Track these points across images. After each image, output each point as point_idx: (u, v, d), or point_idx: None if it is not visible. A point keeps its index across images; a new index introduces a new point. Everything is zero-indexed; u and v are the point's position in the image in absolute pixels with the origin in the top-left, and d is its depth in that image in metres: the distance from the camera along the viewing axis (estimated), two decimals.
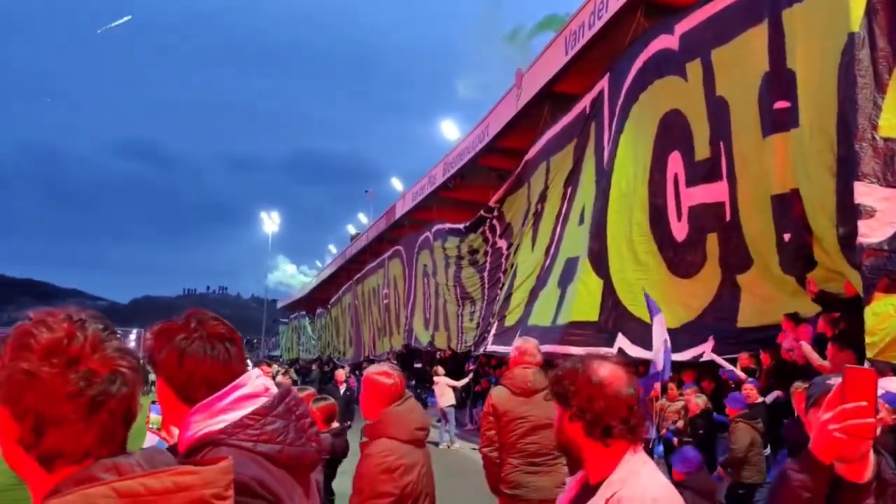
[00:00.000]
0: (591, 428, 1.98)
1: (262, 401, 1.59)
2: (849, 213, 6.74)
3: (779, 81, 7.96)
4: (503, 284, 17.20)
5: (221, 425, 1.52)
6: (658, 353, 8.75)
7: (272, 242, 69.20)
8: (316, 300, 47.41)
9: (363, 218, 48.47)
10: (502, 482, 4.63)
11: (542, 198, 15.51)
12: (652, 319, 9.03)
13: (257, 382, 1.63)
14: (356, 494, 2.96)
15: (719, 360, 8.78)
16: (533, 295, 14.83)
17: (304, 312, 52.63)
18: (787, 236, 7.88)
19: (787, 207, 7.82)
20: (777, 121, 7.96)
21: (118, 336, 1.11)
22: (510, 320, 15.74)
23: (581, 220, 13.28)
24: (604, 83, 12.86)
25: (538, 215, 15.68)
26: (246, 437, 1.51)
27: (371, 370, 3.28)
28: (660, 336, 8.67)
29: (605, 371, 2.02)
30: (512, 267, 16.95)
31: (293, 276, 79.18)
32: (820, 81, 7.32)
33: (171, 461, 1.09)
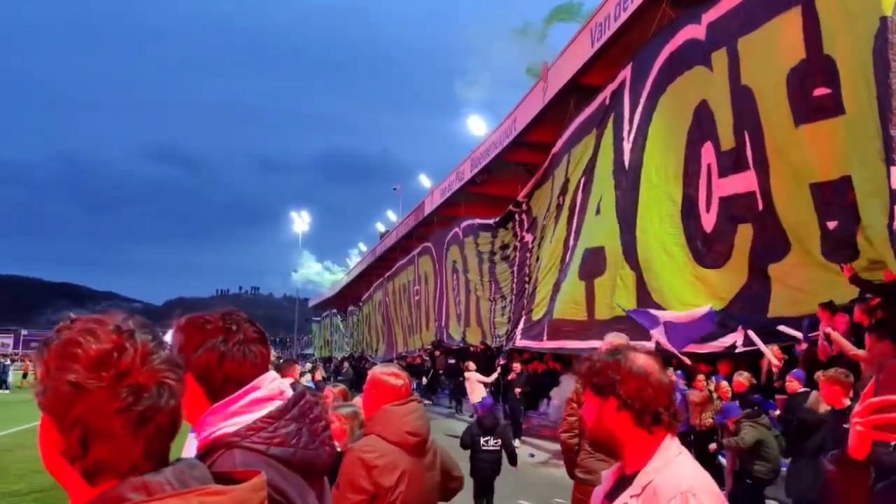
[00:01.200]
0: (641, 417, 1.98)
1: (276, 404, 1.59)
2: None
3: (817, 68, 7.81)
4: (529, 278, 17.21)
5: (235, 427, 1.52)
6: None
7: (302, 241, 69.75)
8: (347, 298, 47.68)
9: (392, 215, 48.58)
10: (577, 467, 4.84)
11: (564, 190, 15.52)
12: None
13: (272, 386, 1.63)
14: (335, 487, 2.96)
15: (757, 340, 8.62)
16: (556, 288, 14.81)
17: (335, 310, 52.94)
18: (831, 224, 7.74)
19: (834, 195, 7.66)
20: (818, 108, 7.80)
21: (165, 345, 1.06)
22: (537, 314, 15.74)
23: (598, 211, 13.22)
24: (626, 73, 12.77)
25: (560, 207, 15.68)
26: (259, 439, 1.51)
27: (379, 369, 3.23)
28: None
29: (645, 360, 2.03)
30: (537, 261, 16.97)
31: (318, 274, 79.49)
32: (862, 67, 7.21)
33: (205, 476, 1.05)
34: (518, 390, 16.00)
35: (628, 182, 12.15)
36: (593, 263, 13.01)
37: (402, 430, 2.99)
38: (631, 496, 1.94)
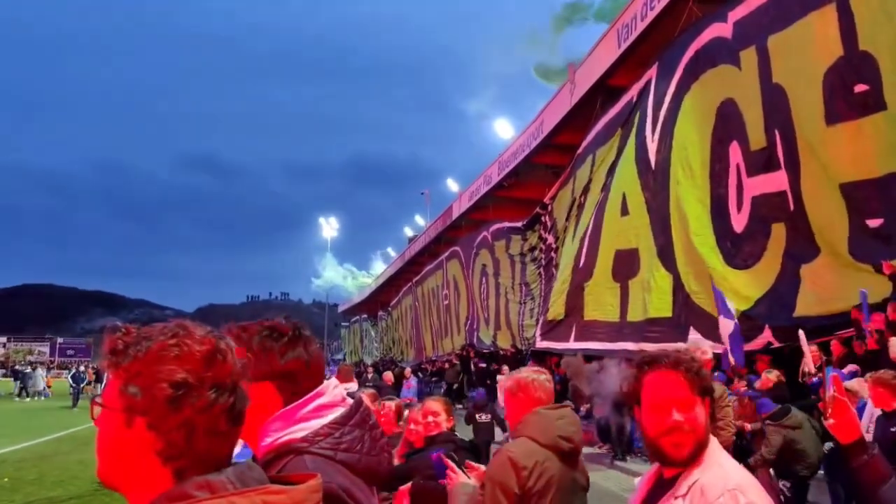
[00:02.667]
0: (710, 418, 2.01)
1: (340, 410, 1.60)
2: None
3: (855, 65, 7.70)
4: (551, 279, 17.18)
5: (303, 433, 1.53)
6: (728, 344, 8.64)
7: (331, 247, 70.15)
8: (377, 303, 47.84)
9: (420, 220, 48.67)
10: None
11: (586, 190, 15.48)
12: (719, 317, 8.89)
13: (335, 392, 1.64)
14: (482, 487, 2.92)
15: (803, 340, 8.49)
16: (575, 287, 14.71)
17: (365, 316, 53.16)
18: (875, 223, 7.59)
19: (879, 192, 7.53)
20: (859, 104, 7.68)
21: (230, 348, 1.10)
22: (553, 313, 15.68)
23: (625, 211, 13.13)
24: (652, 73, 12.71)
25: (581, 207, 15.66)
26: (327, 445, 1.52)
27: (525, 371, 3.11)
28: (726, 332, 8.53)
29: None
30: (557, 263, 16.94)
31: (345, 278, 79.71)
32: None
33: (263, 478, 1.07)
34: None
35: (657, 182, 12.07)
36: (627, 265, 12.93)
37: (555, 434, 2.89)
38: (676, 497, 1.92)
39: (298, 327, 1.68)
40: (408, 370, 15.64)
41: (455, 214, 27.44)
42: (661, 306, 11.57)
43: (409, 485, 4.06)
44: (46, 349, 77.87)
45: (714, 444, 1.97)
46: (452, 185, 39.11)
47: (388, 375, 14.94)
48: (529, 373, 3.08)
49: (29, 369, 37.51)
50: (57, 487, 10.17)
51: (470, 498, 3.02)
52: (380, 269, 69.85)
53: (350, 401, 1.65)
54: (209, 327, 1.11)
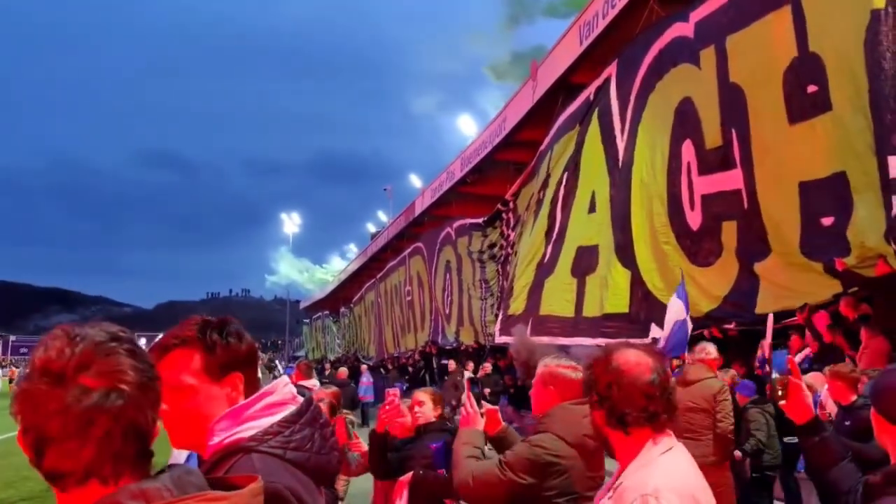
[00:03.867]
0: (609, 416, 1.98)
1: (290, 408, 1.59)
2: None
3: (806, 66, 7.87)
4: (509, 274, 17.27)
5: (251, 432, 1.52)
6: (667, 331, 8.59)
7: (293, 243, 69.64)
8: (339, 299, 47.61)
9: (383, 216, 48.57)
10: None
11: (545, 185, 15.59)
12: (671, 299, 8.88)
13: (285, 390, 1.63)
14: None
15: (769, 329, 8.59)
16: (538, 283, 14.82)
17: (327, 312, 52.86)
18: (827, 221, 7.74)
19: (828, 192, 7.69)
20: (810, 105, 7.84)
21: (126, 350, 1.07)
22: (514, 308, 15.76)
23: (592, 208, 13.23)
24: (611, 70, 12.81)
25: (539, 202, 15.77)
26: (276, 444, 1.51)
27: (553, 361, 3.02)
28: (672, 317, 8.52)
29: (625, 358, 1.99)
30: (516, 255, 17.03)
31: (301, 273, 79.30)
32: (849, 61, 7.27)
33: (202, 483, 1.06)
34: (487, 391, 15.95)
35: (621, 180, 12.18)
36: (586, 261, 13.04)
37: (581, 432, 2.76)
38: (608, 497, 1.91)
39: (229, 320, 1.67)
40: (363, 367, 15.61)
41: (418, 210, 27.40)
42: (618, 302, 11.68)
43: (408, 475, 4.04)
44: None
45: (653, 444, 1.94)
46: (415, 182, 39.15)
47: (343, 371, 14.97)
48: (564, 366, 3.00)
49: None
50: (8, 488, 9.97)
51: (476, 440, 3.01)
52: (337, 264, 69.53)
53: (300, 399, 1.64)
54: (73, 330, 1.07)
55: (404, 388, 18.64)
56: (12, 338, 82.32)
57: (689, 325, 8.45)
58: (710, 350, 6.60)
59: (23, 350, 74.01)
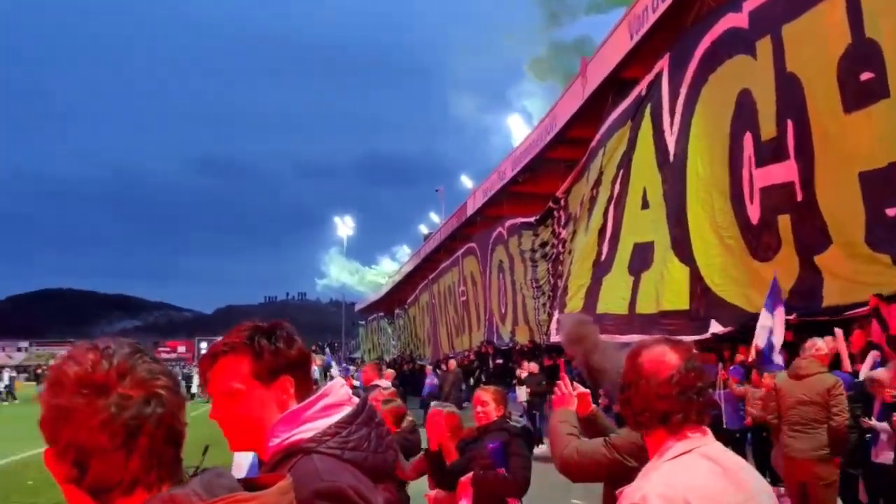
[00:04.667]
0: (630, 417, 1.93)
1: (347, 409, 1.63)
2: None
3: (862, 52, 7.68)
4: (563, 273, 17.17)
5: (310, 434, 1.56)
6: (760, 339, 8.42)
7: (345, 245, 70.37)
8: (393, 301, 47.96)
9: (435, 217, 48.74)
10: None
11: (597, 182, 15.45)
12: (764, 307, 8.64)
13: (341, 392, 1.67)
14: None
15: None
16: (595, 281, 14.71)
17: (382, 314, 53.30)
18: (891, 211, 7.55)
19: (888, 182, 7.44)
20: (866, 93, 7.65)
21: (149, 359, 1.09)
22: (571, 307, 15.65)
23: (645, 204, 13.09)
24: (662, 64, 12.64)
25: (593, 200, 15.64)
26: (335, 444, 1.54)
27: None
28: (765, 326, 8.36)
29: (648, 355, 1.91)
30: (570, 254, 16.90)
31: (352, 274, 79.94)
32: None
33: (233, 484, 1.05)
34: (528, 390, 15.82)
35: (674, 174, 12.02)
36: (641, 258, 12.92)
37: None
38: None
39: (279, 325, 1.69)
40: (428, 368, 15.79)
41: (470, 211, 27.46)
42: (675, 299, 11.52)
43: (469, 475, 4.08)
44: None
45: (666, 446, 1.84)
46: (466, 182, 39.19)
47: (389, 373, 15.06)
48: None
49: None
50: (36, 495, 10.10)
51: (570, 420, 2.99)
52: (387, 266, 69.88)
53: (356, 400, 1.69)
54: (102, 343, 1.09)
55: (462, 387, 18.69)
56: (77, 342, 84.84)
57: (777, 337, 8.33)
58: (820, 346, 6.66)
59: None
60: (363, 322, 63.65)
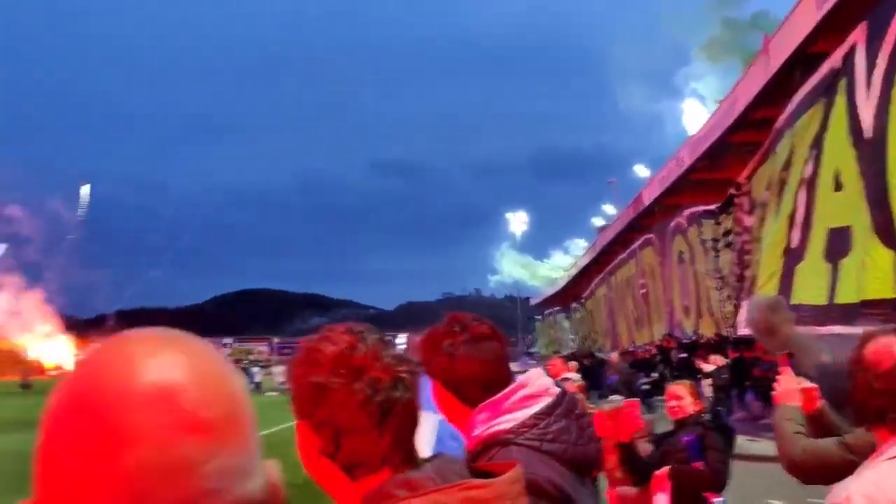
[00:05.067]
0: (857, 412, 1.82)
1: (545, 401, 1.62)
2: None
3: None
4: (751, 262, 16.33)
5: (508, 425, 1.55)
6: None
7: (519, 241, 70.83)
8: (569, 295, 47.69)
9: (609, 209, 47.88)
10: None
11: (787, 164, 14.55)
12: None
13: (539, 383, 1.66)
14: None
15: None
16: (787, 270, 13.90)
17: (558, 308, 53.16)
18: None
19: None
20: None
21: (393, 344, 1.13)
22: None
23: (838, 186, 12.23)
24: (857, 36, 11.76)
25: (783, 183, 14.74)
26: (533, 436, 1.54)
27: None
28: None
29: (871, 347, 1.79)
30: (757, 242, 16.04)
31: (524, 268, 79.89)
32: None
33: (464, 472, 1.06)
34: (711, 384, 15.17)
35: (871, 152, 11.15)
36: (838, 244, 12.10)
37: None
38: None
39: (454, 327, 1.69)
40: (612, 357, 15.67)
41: (646, 201, 26.79)
42: (880, 287, 10.68)
43: (665, 470, 4.09)
44: (266, 348, 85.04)
45: (889, 445, 1.69)
46: (641, 171, 38.20)
47: (572, 365, 14.93)
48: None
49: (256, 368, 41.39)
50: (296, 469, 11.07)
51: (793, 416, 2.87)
52: (559, 260, 69.38)
53: (555, 391, 1.67)
54: (370, 326, 1.14)
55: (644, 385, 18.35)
56: (276, 340, 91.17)
57: None
58: None
59: (285, 351, 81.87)
60: (539, 317, 63.79)
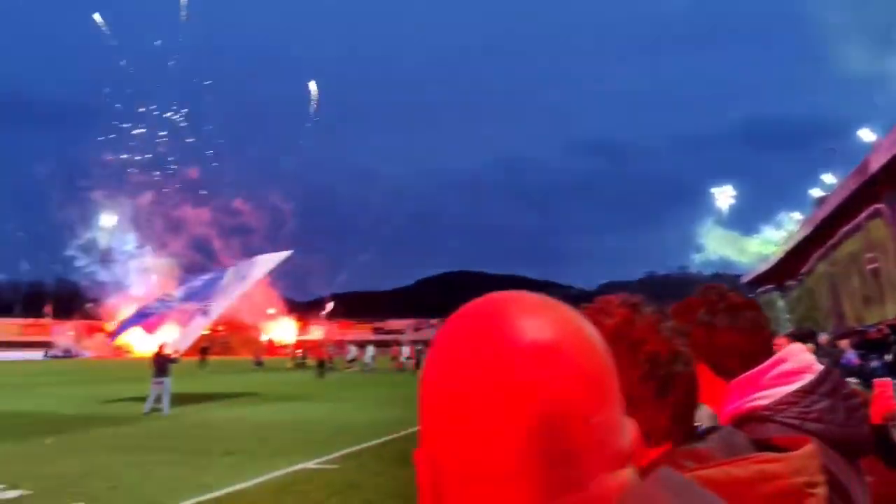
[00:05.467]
0: None
1: (807, 377, 1.52)
2: None
3: None
4: None
5: (765, 401, 1.48)
6: None
7: (726, 217, 67.41)
8: (783, 272, 44.80)
9: (828, 178, 44.33)
10: None
11: None
12: None
13: (800, 358, 1.57)
14: None
15: None
16: None
17: (772, 286, 50.08)
18: None
19: None
20: None
21: (669, 317, 1.10)
22: None
23: None
24: None
25: None
26: (793, 414, 1.45)
27: None
28: None
29: None
30: None
31: (730, 246, 75.46)
32: None
33: (747, 444, 1.02)
34: None
35: None
36: None
37: None
38: None
39: (711, 297, 1.66)
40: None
41: (873, 168, 24.50)
42: None
43: None
44: None
45: None
46: (866, 136, 35.04)
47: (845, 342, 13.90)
48: None
49: None
50: None
51: None
52: (771, 235, 65.12)
53: (818, 367, 1.57)
54: (630, 299, 1.10)
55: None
56: None
57: None
58: None
59: None
60: (751, 296, 60.40)
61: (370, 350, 47.03)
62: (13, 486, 8.95)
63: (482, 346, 0.61)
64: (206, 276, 22.52)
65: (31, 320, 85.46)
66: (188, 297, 22.42)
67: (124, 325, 22.08)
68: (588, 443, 0.60)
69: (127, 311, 79.91)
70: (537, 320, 0.63)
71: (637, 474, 0.65)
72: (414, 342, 59.50)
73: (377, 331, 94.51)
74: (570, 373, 0.61)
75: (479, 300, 0.67)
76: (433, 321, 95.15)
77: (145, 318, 21.81)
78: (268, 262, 24.56)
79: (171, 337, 20.95)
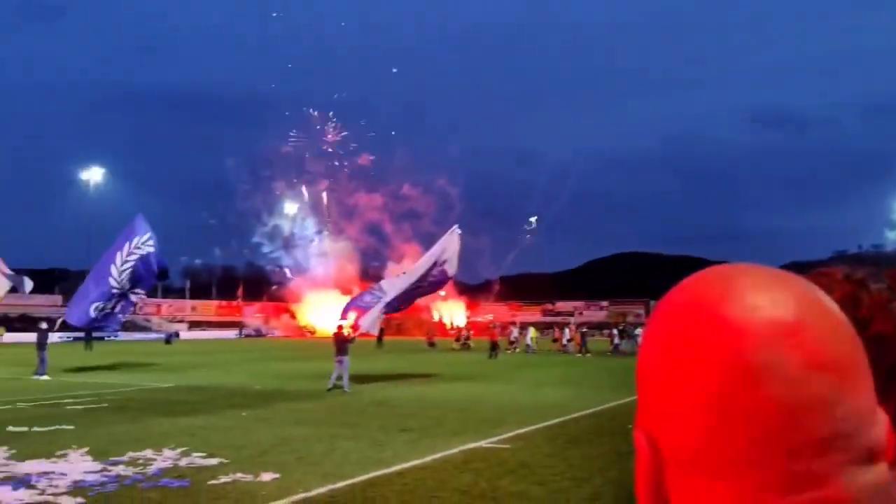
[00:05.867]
0: None
1: None
2: None
3: None
4: None
5: None
6: None
7: None
8: None
9: None
10: None
11: None
12: None
13: None
14: None
15: None
16: None
17: None
18: None
19: None
20: None
21: None
22: None
23: None
24: None
25: None
26: None
27: None
28: None
29: None
30: None
31: None
32: None
33: None
34: None
35: None
36: None
37: None
38: None
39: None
40: None
41: None
42: None
43: None
44: (642, 311, 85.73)
45: None
46: None
47: None
48: None
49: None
50: None
51: None
52: None
53: None
54: (855, 273, 0.96)
55: None
56: (652, 302, 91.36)
57: None
58: None
59: None
60: None
61: (531, 332, 47.52)
62: (212, 455, 9.87)
63: (710, 324, 0.56)
64: (408, 283, 23.48)
65: (224, 302, 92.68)
66: (390, 296, 23.59)
67: (346, 308, 23.66)
68: (833, 434, 0.55)
69: (309, 295, 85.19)
70: (774, 294, 0.57)
71: (889, 471, 0.58)
72: (578, 325, 59.12)
73: (546, 312, 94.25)
74: (813, 354, 0.55)
75: (702, 273, 0.61)
76: (602, 303, 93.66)
77: (357, 307, 23.47)
78: (447, 250, 24.94)
79: (365, 323, 22.39)
